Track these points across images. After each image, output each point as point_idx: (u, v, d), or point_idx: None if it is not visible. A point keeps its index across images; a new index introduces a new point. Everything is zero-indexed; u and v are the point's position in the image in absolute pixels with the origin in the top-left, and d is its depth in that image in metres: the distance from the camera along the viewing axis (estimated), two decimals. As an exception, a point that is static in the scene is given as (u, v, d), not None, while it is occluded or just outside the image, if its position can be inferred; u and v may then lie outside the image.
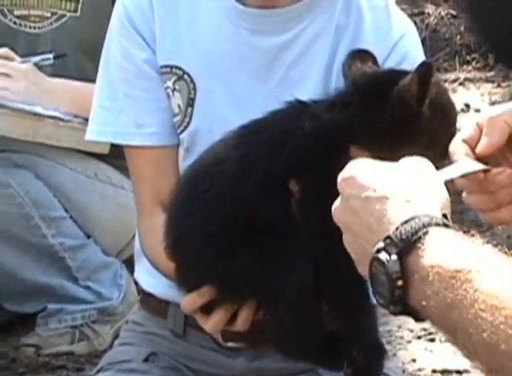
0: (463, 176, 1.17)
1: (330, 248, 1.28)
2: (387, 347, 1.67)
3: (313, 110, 1.47)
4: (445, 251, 0.92)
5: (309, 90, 1.60)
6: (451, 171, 1.18)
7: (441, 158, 1.36)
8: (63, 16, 2.66)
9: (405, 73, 1.39)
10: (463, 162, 1.20)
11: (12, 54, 2.56)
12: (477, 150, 1.18)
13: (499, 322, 0.83)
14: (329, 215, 1.15)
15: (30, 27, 2.70)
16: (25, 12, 2.70)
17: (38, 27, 2.68)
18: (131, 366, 1.70)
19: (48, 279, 2.51)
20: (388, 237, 0.93)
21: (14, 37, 2.71)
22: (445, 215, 0.97)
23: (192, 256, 1.49)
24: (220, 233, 1.46)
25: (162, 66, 1.65)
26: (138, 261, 1.78)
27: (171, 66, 1.66)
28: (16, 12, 2.71)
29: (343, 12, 1.67)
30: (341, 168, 1.21)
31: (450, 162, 1.23)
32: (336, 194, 1.21)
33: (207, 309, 1.47)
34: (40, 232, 2.47)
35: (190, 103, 1.65)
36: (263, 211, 1.43)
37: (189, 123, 1.65)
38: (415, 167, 1.07)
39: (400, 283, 0.94)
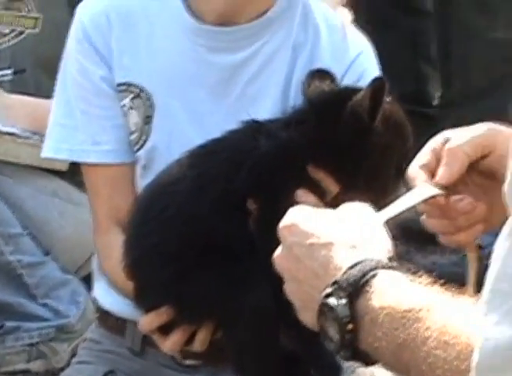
0: (423, 202, 1.20)
1: None
2: (346, 365, 1.69)
3: (269, 128, 1.48)
4: (394, 292, 0.93)
5: (267, 107, 1.61)
6: (402, 204, 1.21)
7: (396, 178, 1.45)
8: (21, 32, 2.64)
9: (360, 90, 1.41)
10: (421, 187, 1.22)
11: None
12: (437, 179, 1.19)
13: (452, 358, 0.83)
14: None
15: None
16: None
17: None
18: None
19: (5, 296, 2.46)
20: (336, 282, 0.94)
21: None
22: (391, 258, 0.98)
23: (150, 276, 1.49)
24: (177, 253, 1.46)
25: (119, 84, 1.64)
26: (96, 278, 1.76)
27: (128, 84, 1.65)
28: None
29: (300, 30, 1.67)
30: (298, 185, 1.38)
31: (409, 187, 1.26)
32: None
33: (165, 329, 1.48)
34: None
35: (147, 120, 1.65)
36: (220, 231, 1.43)
37: (146, 140, 1.65)
38: (356, 212, 1.08)
39: (350, 327, 0.94)
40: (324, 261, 0.99)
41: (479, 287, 0.96)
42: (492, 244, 1.25)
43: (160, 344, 1.49)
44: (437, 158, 1.21)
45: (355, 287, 0.93)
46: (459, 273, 1.67)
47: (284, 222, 1.06)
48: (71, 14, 1.78)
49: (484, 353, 0.76)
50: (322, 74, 1.52)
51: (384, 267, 0.95)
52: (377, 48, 1.75)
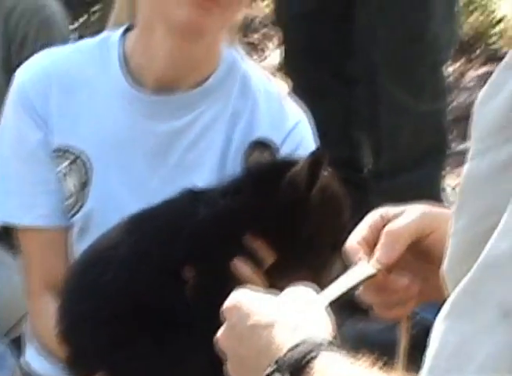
0: (363, 281, 1.22)
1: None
2: None
3: (208, 196, 1.49)
4: (334, 374, 0.95)
5: (205, 175, 1.63)
6: (343, 284, 1.22)
7: (332, 250, 1.46)
8: None
9: (297, 161, 1.43)
10: (362, 266, 1.24)
11: None
12: (378, 258, 1.21)
13: None
14: (223, 302, 1.15)
15: None
16: None
17: None
18: None
19: None
20: (277, 362, 0.96)
21: None
22: (332, 340, 0.99)
23: (84, 343, 1.48)
24: (112, 320, 1.45)
25: (55, 150, 1.64)
26: (28, 342, 1.74)
27: (65, 150, 1.65)
28: None
29: (239, 99, 1.69)
30: (235, 254, 1.40)
31: (348, 261, 1.28)
32: (230, 280, 1.36)
33: None
34: None
35: (84, 185, 1.65)
36: (157, 298, 1.43)
37: (82, 205, 1.65)
38: (299, 295, 1.08)
39: None
40: (266, 341, 1.01)
41: (410, 354, 1.19)
42: (423, 309, 1.29)
43: None
44: (374, 234, 1.23)
45: (296, 368, 0.95)
46: (387, 340, 1.74)
47: (228, 303, 1.07)
48: (7, 81, 1.83)
49: None
50: (262, 146, 1.57)
51: (324, 349, 0.96)
52: (313, 115, 1.77)
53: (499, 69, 0.84)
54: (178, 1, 1.58)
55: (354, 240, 1.26)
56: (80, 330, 1.49)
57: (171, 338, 1.44)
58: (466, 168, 0.87)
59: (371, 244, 1.24)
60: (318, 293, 1.15)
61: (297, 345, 0.96)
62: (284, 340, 0.99)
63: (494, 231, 0.78)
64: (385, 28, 2.86)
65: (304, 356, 0.95)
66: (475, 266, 0.78)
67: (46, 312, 1.61)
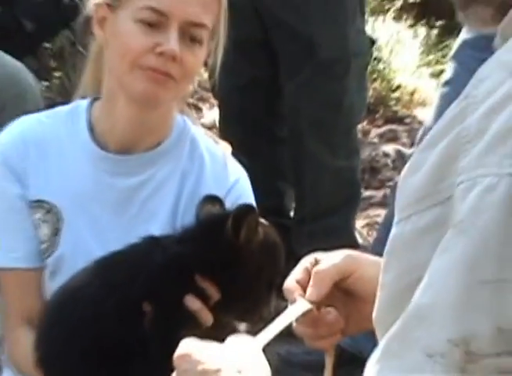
0: (298, 318, 1.32)
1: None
2: None
3: (164, 243, 1.59)
4: None
5: (159, 225, 1.71)
6: (278, 324, 1.30)
7: (269, 290, 1.59)
8: None
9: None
10: (297, 304, 1.35)
11: None
12: (307, 296, 1.30)
13: None
14: (177, 332, 1.38)
15: None
16: None
17: None
18: None
19: None
20: None
21: None
22: None
23: (57, 369, 1.58)
24: (83, 353, 1.55)
25: (32, 201, 1.71)
26: (5, 365, 1.80)
27: (41, 201, 1.72)
28: None
29: (188, 161, 1.78)
30: (187, 292, 1.49)
31: (287, 299, 1.38)
32: (182, 314, 1.48)
33: None
34: None
35: (56, 232, 1.71)
36: (120, 330, 1.52)
37: (54, 250, 1.71)
38: (240, 342, 1.18)
39: None
40: None
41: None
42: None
43: None
44: (308, 276, 1.33)
45: None
46: (310, 360, 1.97)
47: (178, 352, 1.15)
48: None
49: None
50: (212, 200, 1.66)
51: None
52: (247, 171, 1.87)
53: (417, 151, 0.95)
54: (137, 76, 1.65)
55: (291, 281, 1.34)
56: (54, 358, 1.58)
57: (129, 366, 1.53)
58: (392, 232, 0.95)
59: (305, 284, 1.32)
60: (258, 334, 1.26)
61: None
62: None
63: (416, 286, 0.87)
64: (308, 99, 3.09)
65: None
66: (402, 316, 0.88)
67: (22, 342, 1.68)
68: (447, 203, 0.90)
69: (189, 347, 1.14)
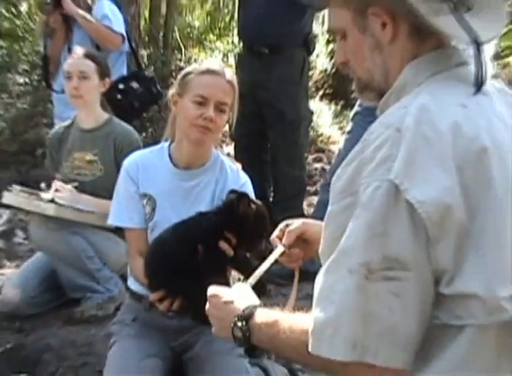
0: (278, 257, 1.55)
1: (217, 271, 1.84)
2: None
3: (207, 215, 1.90)
4: (265, 315, 1.26)
5: (204, 207, 2.04)
6: (265, 264, 1.51)
7: (261, 238, 1.88)
8: (94, 174, 3.23)
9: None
10: (277, 249, 1.58)
11: (64, 185, 3.13)
12: (283, 243, 1.57)
13: (292, 338, 1.16)
14: (215, 261, 1.75)
15: (82, 175, 3.24)
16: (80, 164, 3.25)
17: (86, 175, 3.24)
18: (126, 322, 2.24)
19: (86, 283, 3.13)
20: (238, 316, 1.27)
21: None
22: (259, 304, 1.32)
23: (156, 278, 1.94)
24: (166, 270, 1.87)
25: (141, 194, 2.12)
26: (129, 276, 2.24)
27: (145, 194, 2.13)
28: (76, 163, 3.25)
29: (219, 173, 2.16)
30: (219, 239, 1.78)
31: (272, 246, 1.61)
32: (218, 251, 1.78)
33: (160, 300, 1.93)
34: (83, 263, 3.08)
35: (153, 209, 2.13)
36: (186, 260, 1.83)
37: (152, 219, 2.13)
38: (240, 287, 1.39)
39: (247, 334, 1.26)
40: (232, 308, 1.32)
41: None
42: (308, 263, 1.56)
43: (158, 306, 1.94)
44: (282, 233, 1.58)
45: (248, 316, 1.27)
46: (284, 272, 2.25)
47: (210, 292, 1.37)
48: (118, 169, 2.33)
49: (312, 332, 1.09)
50: (232, 192, 1.97)
51: (258, 307, 1.28)
52: (250, 178, 2.16)
53: (340, 167, 1.09)
54: (193, 130, 2.04)
55: (273, 236, 1.61)
56: (152, 272, 1.96)
57: (190, 279, 1.81)
58: (328, 209, 1.11)
59: (281, 237, 1.59)
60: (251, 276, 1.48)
61: (246, 308, 1.28)
62: (240, 306, 1.30)
63: (341, 237, 1.06)
64: (281, 141, 3.89)
65: (250, 311, 1.26)
66: (334, 252, 1.08)
67: (138, 264, 2.07)
68: (356, 195, 1.05)
69: (215, 290, 1.37)
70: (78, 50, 3.12)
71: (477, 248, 1.01)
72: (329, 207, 1.09)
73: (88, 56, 3.07)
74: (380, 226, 1.00)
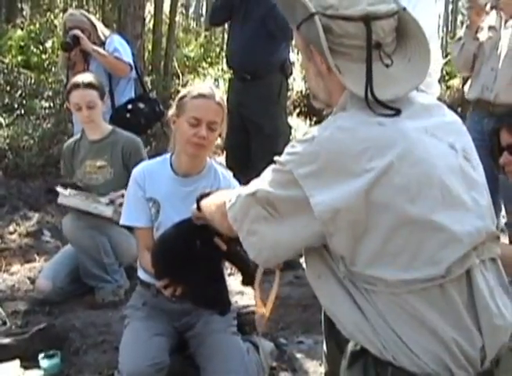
0: None
1: (212, 262, 1.79)
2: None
3: None
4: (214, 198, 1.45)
5: None
6: None
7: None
8: (105, 177, 3.18)
9: None
10: None
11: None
12: None
13: (219, 213, 1.32)
14: (211, 254, 1.70)
15: (94, 179, 3.20)
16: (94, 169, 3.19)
17: (98, 179, 3.20)
18: (137, 307, 2.24)
19: (100, 273, 3.10)
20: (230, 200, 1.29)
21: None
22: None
23: (161, 268, 1.91)
24: (169, 262, 1.85)
25: (147, 198, 2.13)
26: (138, 267, 2.25)
27: (151, 198, 2.14)
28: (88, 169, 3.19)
29: (213, 179, 2.17)
30: (214, 235, 1.68)
31: None
32: (213, 245, 1.71)
33: (165, 287, 1.91)
34: (101, 256, 3.04)
35: (158, 211, 2.14)
36: (185, 252, 1.77)
37: (157, 219, 2.13)
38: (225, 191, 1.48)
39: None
40: (224, 194, 1.41)
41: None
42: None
43: (164, 292, 1.93)
44: None
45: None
46: None
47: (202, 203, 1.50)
48: (127, 176, 2.28)
49: (229, 206, 1.25)
50: None
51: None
52: (239, 182, 2.10)
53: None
54: (189, 146, 2.04)
55: None
56: (159, 262, 1.92)
57: (189, 267, 1.78)
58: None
59: None
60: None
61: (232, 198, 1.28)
62: (228, 196, 1.33)
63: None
64: (261, 150, 3.71)
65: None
66: (255, 184, 1.21)
67: (146, 257, 2.06)
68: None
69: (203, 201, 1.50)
70: (80, 79, 3.09)
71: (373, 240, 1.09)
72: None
73: (89, 85, 3.05)
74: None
